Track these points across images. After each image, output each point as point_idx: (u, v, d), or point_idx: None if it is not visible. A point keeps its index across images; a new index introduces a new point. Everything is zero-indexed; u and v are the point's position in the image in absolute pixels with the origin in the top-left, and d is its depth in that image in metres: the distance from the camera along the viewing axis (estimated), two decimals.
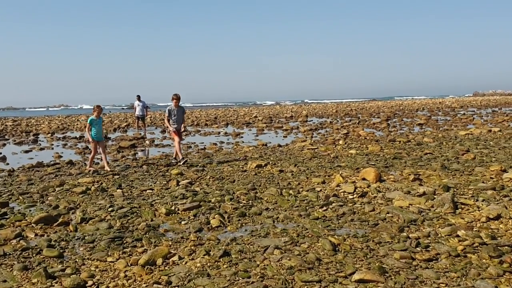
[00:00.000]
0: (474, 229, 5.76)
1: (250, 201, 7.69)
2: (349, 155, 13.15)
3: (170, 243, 5.67)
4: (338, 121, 32.53)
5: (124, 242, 5.75)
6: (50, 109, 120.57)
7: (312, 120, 34.98)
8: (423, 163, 11.08)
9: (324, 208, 7.01)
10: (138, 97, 24.92)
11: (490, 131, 19.05)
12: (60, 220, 6.84)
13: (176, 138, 12.56)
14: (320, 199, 7.63)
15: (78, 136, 24.57)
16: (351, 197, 7.74)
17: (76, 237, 6.06)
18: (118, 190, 9.06)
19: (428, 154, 12.72)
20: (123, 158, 14.68)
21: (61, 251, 5.51)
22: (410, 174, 9.47)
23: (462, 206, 6.87)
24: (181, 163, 12.17)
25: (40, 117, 52.38)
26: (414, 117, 34.13)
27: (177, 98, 12.41)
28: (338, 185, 8.54)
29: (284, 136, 21.78)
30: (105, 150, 12.12)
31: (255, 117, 40.08)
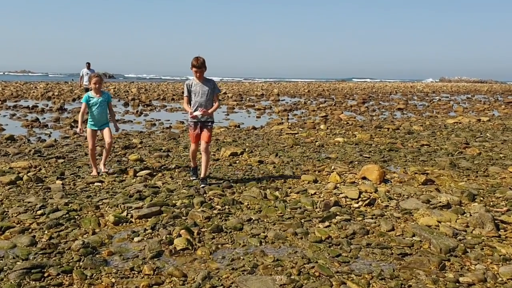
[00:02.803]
0: None
1: (227, 207, 5.91)
2: (336, 143, 11.49)
3: (114, 279, 3.86)
4: (312, 101, 30.90)
5: (46, 275, 3.90)
6: (6, 73, 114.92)
7: (284, 100, 33.28)
8: (425, 158, 9.53)
9: (326, 223, 5.29)
10: (88, 65, 21.50)
11: (479, 120, 17.73)
12: None
13: (192, 145, 7.25)
14: (317, 208, 5.92)
15: (30, 106, 22.19)
16: (356, 205, 6.05)
17: None
18: (57, 181, 7.14)
19: (426, 146, 11.19)
20: (76, 135, 12.64)
21: None
22: (416, 173, 7.92)
23: (504, 225, 5.28)
24: (194, 179, 7.40)
25: None
26: (391, 101, 32.83)
27: (199, 65, 6.85)
28: (336, 187, 6.85)
29: (257, 117, 19.98)
30: (111, 144, 7.84)
31: (224, 93, 38.07)
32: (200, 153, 7.17)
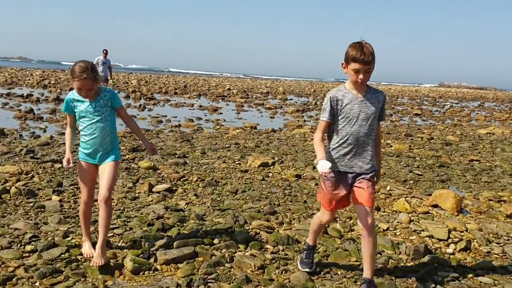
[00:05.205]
0: None
1: (281, 247, 4.43)
2: None
3: None
4: (322, 102, 29.45)
5: None
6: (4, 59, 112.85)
7: (292, 99, 31.83)
8: (486, 179, 8.09)
9: (430, 284, 3.82)
10: (105, 53, 18.03)
11: None
12: None
13: (326, 213, 3.72)
14: (401, 253, 4.44)
15: (25, 94, 20.61)
16: (450, 250, 4.59)
17: None
18: (54, 197, 5.65)
19: (476, 162, 9.75)
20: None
21: None
22: (491, 200, 6.50)
23: None
24: (306, 270, 3.86)
25: None
26: (402, 105, 31.40)
27: (366, 58, 3.16)
28: (411, 220, 5.38)
29: (271, 117, 18.48)
30: (109, 201, 3.86)
31: (229, 89, 36.57)
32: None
